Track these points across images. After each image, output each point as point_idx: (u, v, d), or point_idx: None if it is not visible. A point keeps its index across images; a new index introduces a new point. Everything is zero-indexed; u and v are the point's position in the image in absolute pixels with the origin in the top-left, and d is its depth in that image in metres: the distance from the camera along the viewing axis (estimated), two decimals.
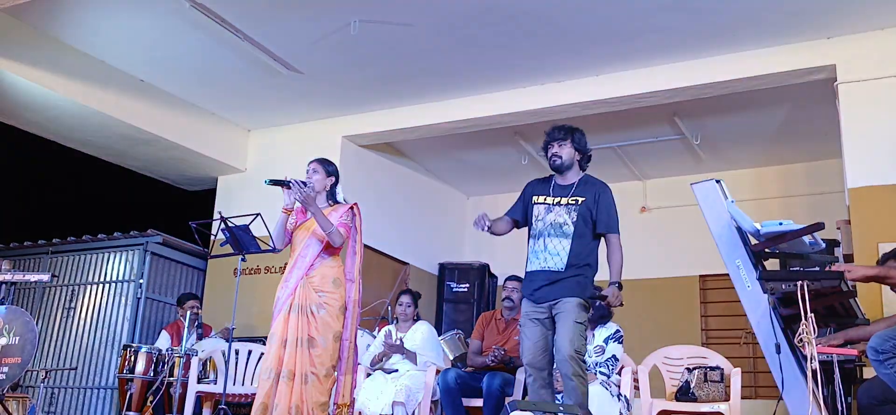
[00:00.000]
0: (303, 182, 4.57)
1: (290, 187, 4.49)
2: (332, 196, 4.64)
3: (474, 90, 6.93)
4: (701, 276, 8.22)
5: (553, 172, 4.24)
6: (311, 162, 4.64)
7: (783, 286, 3.80)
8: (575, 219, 4.00)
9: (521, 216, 4.26)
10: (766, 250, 4.44)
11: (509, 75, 6.63)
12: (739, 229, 4.42)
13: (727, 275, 4.41)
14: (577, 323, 3.89)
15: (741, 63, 6.04)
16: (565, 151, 4.14)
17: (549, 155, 4.15)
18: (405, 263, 8.47)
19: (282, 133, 7.98)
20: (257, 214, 4.85)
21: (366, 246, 7.23)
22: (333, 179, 4.64)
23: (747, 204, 7.07)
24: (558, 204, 4.07)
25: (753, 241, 4.37)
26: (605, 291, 4.01)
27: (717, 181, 4.56)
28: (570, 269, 3.96)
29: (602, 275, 4.09)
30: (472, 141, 7.93)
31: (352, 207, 4.62)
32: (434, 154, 8.51)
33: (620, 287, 4.00)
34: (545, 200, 4.13)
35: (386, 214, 8.09)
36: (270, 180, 4.53)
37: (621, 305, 4.04)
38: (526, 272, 4.14)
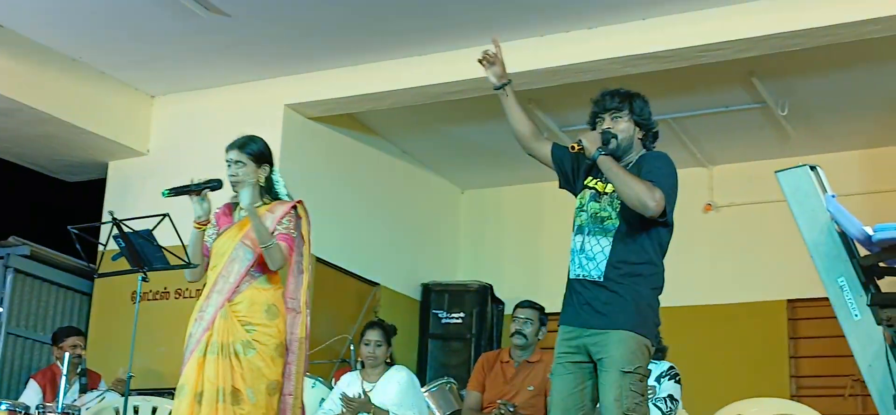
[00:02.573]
0: (217, 180, 4.54)
1: (200, 194, 4.48)
2: (268, 191, 4.60)
3: (469, 40, 6.88)
4: (789, 301, 8.26)
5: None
6: (230, 149, 4.57)
7: None
8: (620, 209, 4.00)
9: (560, 162, 4.24)
10: (882, 264, 4.45)
11: (519, 18, 6.64)
12: (843, 235, 4.42)
13: (826, 299, 4.42)
14: (626, 373, 3.79)
15: (847, 1, 6.05)
16: (622, 126, 4.13)
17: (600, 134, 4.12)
18: (374, 284, 8.48)
19: (199, 100, 7.98)
20: (165, 215, 4.81)
21: (318, 260, 7.25)
22: (268, 165, 4.61)
23: (855, 199, 7.10)
24: (606, 193, 4.08)
25: (863, 251, 4.38)
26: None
27: (812, 167, 4.57)
28: (610, 280, 3.94)
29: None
30: (467, 112, 7.94)
31: (295, 207, 4.60)
32: (414, 130, 8.53)
33: (605, 148, 3.95)
34: (595, 184, 4.14)
35: (346, 215, 8.10)
36: (170, 190, 4.52)
37: (589, 149, 3.93)
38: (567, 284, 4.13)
